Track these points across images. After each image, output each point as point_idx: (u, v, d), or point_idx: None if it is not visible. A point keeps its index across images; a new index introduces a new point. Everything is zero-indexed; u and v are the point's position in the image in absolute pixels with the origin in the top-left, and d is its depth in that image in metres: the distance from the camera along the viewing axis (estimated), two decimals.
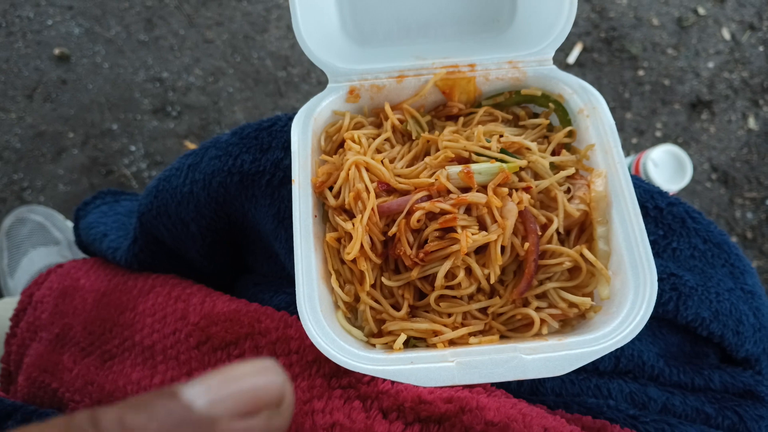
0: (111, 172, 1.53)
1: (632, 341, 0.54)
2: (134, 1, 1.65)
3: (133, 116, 1.57)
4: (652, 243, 0.59)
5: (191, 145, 1.57)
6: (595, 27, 1.71)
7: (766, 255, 1.59)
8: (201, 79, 1.61)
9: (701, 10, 1.73)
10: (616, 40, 1.70)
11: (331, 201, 0.53)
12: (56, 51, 1.59)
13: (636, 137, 1.64)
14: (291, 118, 0.62)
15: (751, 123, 1.67)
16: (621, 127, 1.64)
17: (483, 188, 0.51)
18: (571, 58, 1.67)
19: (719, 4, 1.74)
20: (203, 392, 0.22)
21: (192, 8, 1.66)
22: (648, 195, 0.59)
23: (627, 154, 1.61)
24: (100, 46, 1.61)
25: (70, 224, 1.43)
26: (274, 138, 0.61)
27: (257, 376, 0.23)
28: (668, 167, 1.34)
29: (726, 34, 1.73)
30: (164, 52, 1.62)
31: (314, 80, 1.64)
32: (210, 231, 0.65)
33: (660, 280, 0.56)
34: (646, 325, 0.48)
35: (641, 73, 1.68)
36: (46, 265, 1.31)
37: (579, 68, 1.67)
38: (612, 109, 1.65)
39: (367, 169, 0.53)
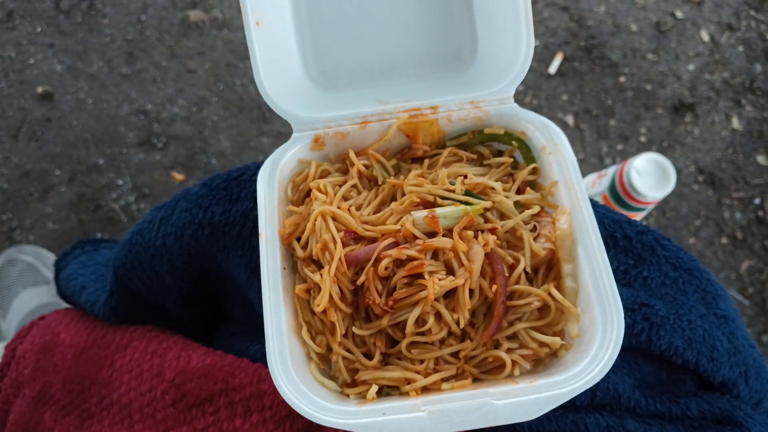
0: (99, 207, 1.53)
1: (607, 374, 0.54)
2: (115, 35, 1.66)
3: (119, 150, 1.58)
4: (623, 273, 0.59)
5: (178, 176, 1.57)
6: (574, 36, 1.71)
7: (757, 254, 1.59)
8: (185, 109, 1.62)
9: (679, 14, 1.74)
10: (595, 48, 1.70)
11: (299, 252, 0.53)
12: (39, 89, 1.59)
13: (621, 143, 1.64)
14: (259, 167, 0.62)
15: (735, 123, 1.67)
16: (605, 134, 1.65)
17: (449, 232, 0.52)
18: (552, 68, 1.68)
19: (696, 7, 1.75)
20: None
21: (173, 39, 1.67)
22: (617, 225, 0.60)
23: (613, 160, 1.62)
24: (83, 81, 1.62)
25: None
26: (243, 188, 0.61)
27: None
28: (652, 175, 1.35)
29: (705, 36, 1.73)
30: (147, 85, 1.63)
31: None
32: (185, 282, 0.66)
33: (631, 310, 0.56)
34: (620, 357, 0.48)
35: (622, 79, 1.69)
36: (37, 305, 1.32)
37: (560, 78, 1.68)
38: (595, 117, 1.66)
39: (334, 219, 0.53)
